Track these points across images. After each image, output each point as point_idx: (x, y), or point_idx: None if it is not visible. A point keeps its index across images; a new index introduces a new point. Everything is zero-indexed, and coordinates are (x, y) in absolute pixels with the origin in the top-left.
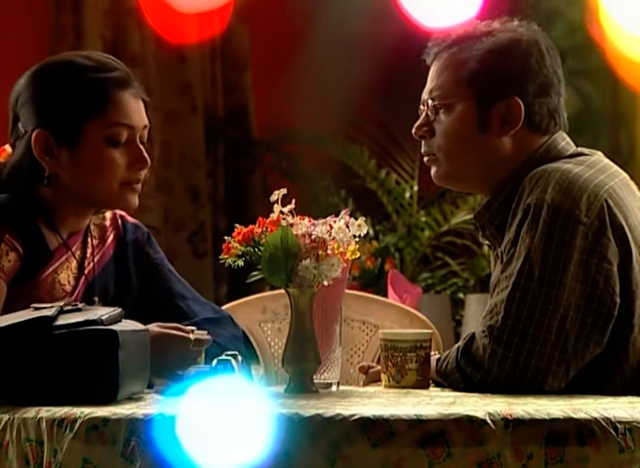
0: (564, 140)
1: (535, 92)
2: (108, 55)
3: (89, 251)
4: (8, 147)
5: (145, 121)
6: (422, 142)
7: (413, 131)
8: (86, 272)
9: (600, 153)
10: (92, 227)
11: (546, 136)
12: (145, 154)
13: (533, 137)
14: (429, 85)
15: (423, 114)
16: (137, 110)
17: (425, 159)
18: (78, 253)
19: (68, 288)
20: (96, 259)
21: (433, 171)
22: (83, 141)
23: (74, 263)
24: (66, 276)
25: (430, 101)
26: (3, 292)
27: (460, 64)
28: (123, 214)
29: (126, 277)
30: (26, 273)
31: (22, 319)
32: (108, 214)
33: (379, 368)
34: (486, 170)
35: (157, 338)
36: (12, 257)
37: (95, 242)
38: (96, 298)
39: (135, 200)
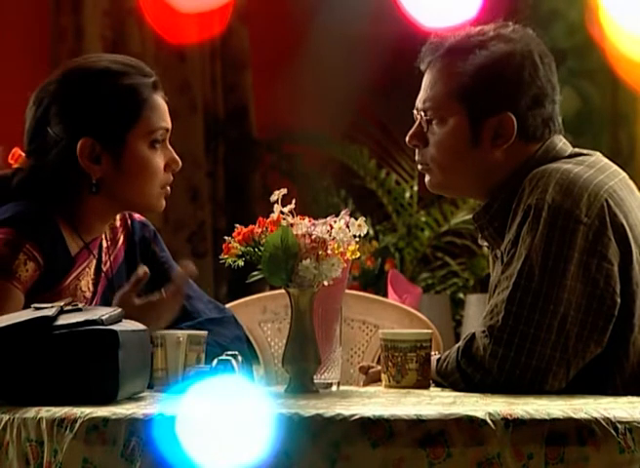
0: (561, 141)
1: (528, 104)
2: (135, 59)
3: (104, 254)
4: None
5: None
6: (416, 151)
7: (406, 139)
8: (103, 276)
9: (599, 153)
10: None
11: (540, 143)
12: (176, 156)
13: (526, 147)
14: (422, 94)
15: (416, 123)
16: (167, 112)
17: (419, 167)
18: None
19: (88, 294)
20: (110, 263)
21: (427, 179)
22: (126, 147)
23: (92, 270)
24: (86, 283)
25: (423, 113)
26: (20, 301)
27: (452, 78)
28: (132, 213)
29: None
30: (48, 282)
31: (22, 319)
32: (118, 215)
33: (379, 368)
34: (479, 180)
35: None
36: (30, 267)
37: (108, 244)
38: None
39: (164, 203)
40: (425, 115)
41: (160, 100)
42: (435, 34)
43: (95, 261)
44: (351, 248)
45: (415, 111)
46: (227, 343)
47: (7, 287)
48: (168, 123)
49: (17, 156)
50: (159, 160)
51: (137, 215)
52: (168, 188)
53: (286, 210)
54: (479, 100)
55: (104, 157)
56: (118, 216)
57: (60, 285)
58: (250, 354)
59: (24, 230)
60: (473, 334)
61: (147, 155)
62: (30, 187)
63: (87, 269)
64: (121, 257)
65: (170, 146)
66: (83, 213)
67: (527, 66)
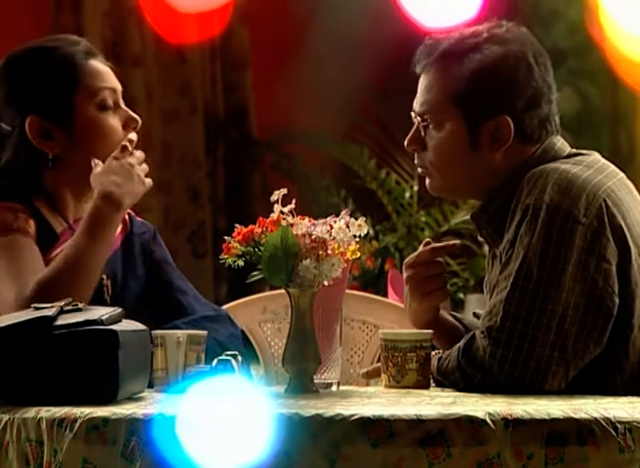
0: (559, 141)
1: (524, 106)
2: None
3: None
4: None
5: (119, 85)
6: (415, 155)
7: (405, 143)
8: None
9: (597, 153)
10: None
11: (538, 145)
12: (133, 114)
13: (525, 148)
14: (419, 98)
15: (414, 128)
16: (111, 75)
17: (419, 170)
18: None
19: None
20: None
21: (427, 182)
22: (76, 115)
23: None
24: None
25: (420, 117)
26: (37, 251)
27: (447, 84)
28: (130, 212)
29: (132, 265)
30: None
31: (22, 319)
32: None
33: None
34: (479, 182)
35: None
36: (32, 224)
37: None
38: (104, 276)
39: None
40: (422, 120)
41: (98, 64)
42: (429, 36)
43: None
44: (351, 248)
45: (412, 113)
46: (224, 340)
47: (22, 239)
48: (112, 83)
49: None
50: (112, 121)
51: (138, 217)
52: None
53: (286, 210)
54: (475, 105)
55: (55, 131)
56: None
57: (46, 257)
58: (246, 353)
59: (13, 199)
60: (473, 334)
61: (97, 117)
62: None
63: None
64: (116, 246)
65: (126, 107)
66: (57, 192)
67: (521, 68)
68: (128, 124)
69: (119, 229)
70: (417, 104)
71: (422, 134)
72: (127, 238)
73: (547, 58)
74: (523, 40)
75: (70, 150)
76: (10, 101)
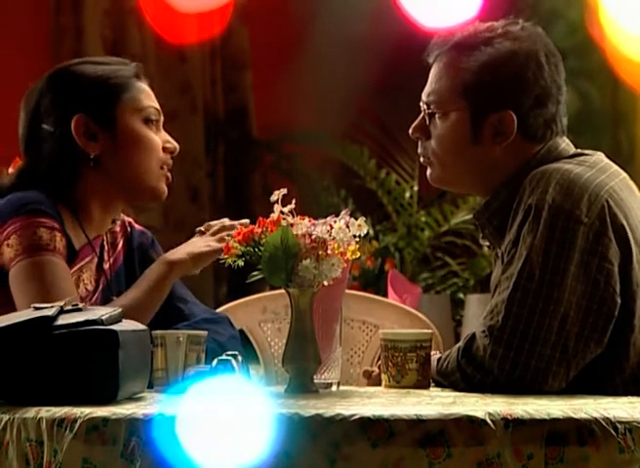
0: (564, 142)
1: (530, 104)
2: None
3: (105, 255)
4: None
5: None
6: (419, 143)
7: (410, 131)
8: (104, 275)
9: (600, 153)
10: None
11: (542, 144)
12: (173, 141)
13: (528, 146)
14: (428, 87)
15: (420, 116)
16: (154, 97)
17: (421, 160)
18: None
19: (90, 287)
20: (110, 264)
21: (428, 173)
22: (118, 122)
23: (94, 266)
24: (88, 276)
25: (426, 106)
26: (68, 269)
27: (456, 74)
28: (131, 220)
29: (134, 281)
30: None
31: (22, 319)
32: (118, 221)
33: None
34: (480, 176)
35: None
36: (64, 243)
37: (108, 247)
38: (114, 297)
39: (166, 189)
40: (429, 108)
41: (144, 86)
42: (441, 32)
43: (96, 259)
44: (351, 248)
45: (421, 102)
46: (224, 341)
47: (55, 260)
48: (157, 105)
49: (16, 165)
50: (155, 137)
51: (136, 224)
52: (169, 174)
53: (286, 210)
54: (480, 97)
55: (100, 134)
56: (118, 223)
57: None
58: (245, 354)
59: (49, 213)
60: (474, 334)
61: (142, 129)
62: (29, 180)
63: (90, 265)
64: (120, 261)
65: (164, 132)
66: (85, 198)
67: (531, 66)
68: (167, 148)
69: (121, 244)
70: (425, 93)
71: (428, 123)
72: (128, 253)
73: (560, 60)
74: (536, 39)
75: (111, 154)
76: (57, 104)
